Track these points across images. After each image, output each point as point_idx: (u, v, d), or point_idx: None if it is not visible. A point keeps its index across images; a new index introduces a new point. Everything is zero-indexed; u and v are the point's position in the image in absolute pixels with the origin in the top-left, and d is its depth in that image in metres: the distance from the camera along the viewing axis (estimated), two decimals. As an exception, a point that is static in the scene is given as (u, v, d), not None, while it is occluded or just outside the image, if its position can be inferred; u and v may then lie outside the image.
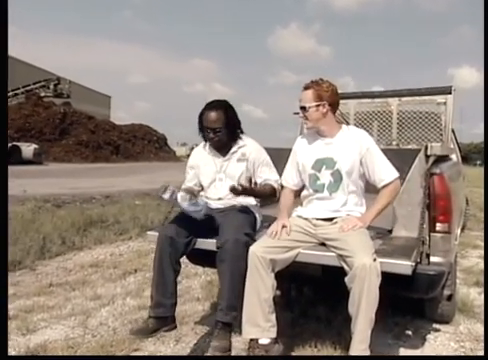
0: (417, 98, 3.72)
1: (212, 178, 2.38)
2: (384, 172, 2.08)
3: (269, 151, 2.45)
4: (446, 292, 2.40)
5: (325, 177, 2.12)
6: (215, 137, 2.26)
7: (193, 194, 2.25)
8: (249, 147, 2.33)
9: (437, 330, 2.56)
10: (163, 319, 2.12)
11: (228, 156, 2.33)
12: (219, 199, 2.36)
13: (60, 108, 30.14)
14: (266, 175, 2.35)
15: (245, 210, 2.30)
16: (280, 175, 2.37)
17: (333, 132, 2.13)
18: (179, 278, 3.60)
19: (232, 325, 2.03)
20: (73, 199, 8.00)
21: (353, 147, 2.09)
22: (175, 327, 2.19)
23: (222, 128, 2.24)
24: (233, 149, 2.33)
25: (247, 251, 1.97)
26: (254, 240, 2.09)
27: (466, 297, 3.01)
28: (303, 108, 2.10)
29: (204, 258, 2.29)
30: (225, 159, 2.34)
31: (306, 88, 2.09)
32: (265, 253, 1.92)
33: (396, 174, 2.08)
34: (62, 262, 4.06)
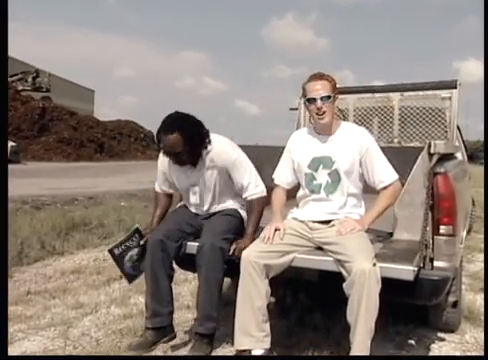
0: (420, 93, 3.74)
1: (186, 188, 2.35)
2: (384, 173, 2.10)
3: (264, 150, 2.44)
4: (451, 299, 2.41)
5: (322, 177, 2.13)
6: (178, 160, 2.18)
7: (142, 256, 2.30)
8: (215, 151, 2.21)
9: (442, 339, 2.58)
10: (162, 329, 2.12)
11: (198, 166, 2.25)
12: (200, 206, 2.35)
13: (39, 103, 29.92)
14: (240, 179, 2.23)
15: (230, 213, 2.29)
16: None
17: (332, 129, 2.14)
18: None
19: (211, 336, 2.04)
20: (53, 200, 7.95)
21: (352, 146, 2.10)
22: (174, 336, 2.19)
23: (183, 151, 2.12)
24: (202, 157, 2.23)
25: (224, 257, 1.98)
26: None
27: (472, 304, 3.03)
28: (320, 99, 2.03)
29: (194, 263, 2.30)
30: (195, 170, 2.26)
31: (320, 77, 2.06)
32: (259, 258, 1.93)
33: (396, 176, 2.11)
34: (41, 268, 4.03)
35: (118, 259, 2.29)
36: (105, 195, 9.13)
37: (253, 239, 2.10)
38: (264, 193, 2.24)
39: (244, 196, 2.25)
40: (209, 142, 2.20)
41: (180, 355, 2.26)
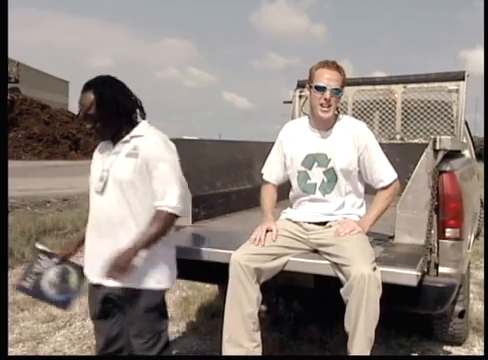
0: (425, 85, 3.78)
1: (96, 180, 1.90)
2: (384, 172, 2.11)
3: (254, 146, 2.45)
4: (458, 308, 2.44)
5: (317, 176, 2.13)
6: (90, 126, 1.87)
7: (65, 275, 2.04)
8: (146, 139, 1.87)
9: (448, 353, 2.61)
10: None
11: (118, 147, 1.89)
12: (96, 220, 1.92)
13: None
14: (158, 184, 1.82)
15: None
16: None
17: (329, 123, 2.14)
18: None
19: None
20: (23, 203, 7.89)
21: (350, 142, 2.10)
22: None
23: (95, 113, 1.83)
24: (125, 137, 1.88)
25: None
26: None
27: (481, 314, 3.07)
28: (331, 90, 2.03)
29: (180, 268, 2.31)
30: (114, 151, 1.89)
31: (336, 68, 2.06)
32: (249, 261, 1.93)
33: (396, 175, 2.13)
34: (9, 278, 4.00)
35: (35, 293, 2.02)
36: (81, 197, 9.08)
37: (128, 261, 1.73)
38: (176, 212, 1.83)
39: (154, 205, 1.84)
40: (136, 120, 1.94)
41: (180, 355, 2.26)
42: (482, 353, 2.63)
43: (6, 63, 2.07)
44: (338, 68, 2.07)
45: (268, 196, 2.28)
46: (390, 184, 2.11)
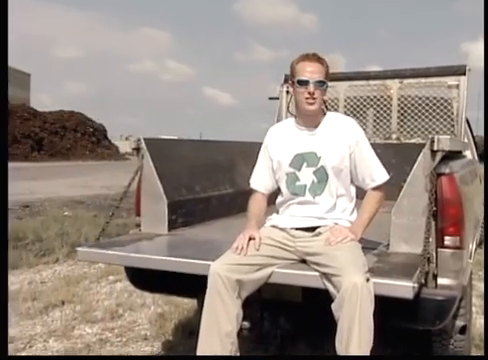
0: (423, 80, 3.84)
1: None
2: (376, 171, 2.17)
3: (238, 145, 2.47)
4: (459, 323, 2.46)
5: (306, 177, 2.17)
6: None
7: None
8: None
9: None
10: None
11: None
12: None
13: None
14: None
15: None
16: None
17: (317, 120, 2.20)
18: (121, 310, 3.59)
19: None
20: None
21: (341, 139, 2.16)
22: None
23: None
24: None
25: None
26: None
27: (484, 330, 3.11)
28: (314, 83, 2.09)
29: (155, 281, 2.31)
30: None
31: (317, 59, 2.14)
32: (229, 272, 1.92)
33: (387, 176, 2.20)
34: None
35: None
36: (44, 203, 9.00)
37: None
38: None
39: None
40: None
41: (180, 355, 2.25)
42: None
43: (6, 63, 2.21)
44: (319, 59, 2.15)
45: (255, 203, 2.31)
46: (382, 184, 2.17)
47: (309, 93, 2.10)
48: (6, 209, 2.39)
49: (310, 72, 2.11)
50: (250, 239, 2.07)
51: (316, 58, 2.15)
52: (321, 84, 2.12)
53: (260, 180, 2.32)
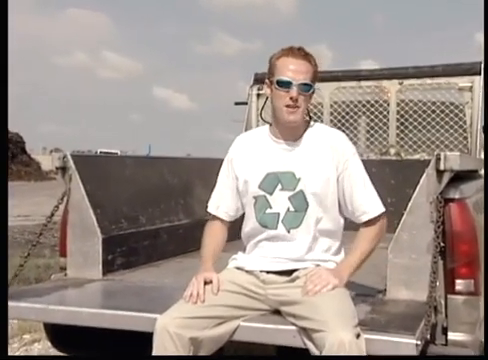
0: (428, 81, 3.92)
1: None
2: (369, 201, 2.15)
3: (195, 163, 2.47)
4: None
5: (280, 203, 2.15)
6: None
7: None
8: None
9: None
10: None
11: None
12: None
13: None
14: None
15: None
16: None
17: (298, 132, 2.20)
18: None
19: None
20: None
21: (326, 157, 2.15)
22: None
23: None
24: None
25: None
26: None
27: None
28: (298, 85, 2.08)
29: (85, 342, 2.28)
30: None
31: (304, 56, 2.12)
32: (181, 328, 1.90)
33: (383, 207, 2.15)
34: None
35: None
36: None
37: None
38: None
39: None
40: None
41: (180, 355, 2.21)
42: None
43: (6, 63, 2.40)
44: (307, 56, 2.13)
45: (211, 236, 2.30)
46: (377, 218, 2.14)
47: (291, 98, 2.08)
48: (6, 209, 2.49)
49: (294, 72, 2.09)
50: (206, 283, 2.05)
51: (302, 54, 2.12)
52: (307, 88, 2.11)
53: (221, 203, 2.30)
